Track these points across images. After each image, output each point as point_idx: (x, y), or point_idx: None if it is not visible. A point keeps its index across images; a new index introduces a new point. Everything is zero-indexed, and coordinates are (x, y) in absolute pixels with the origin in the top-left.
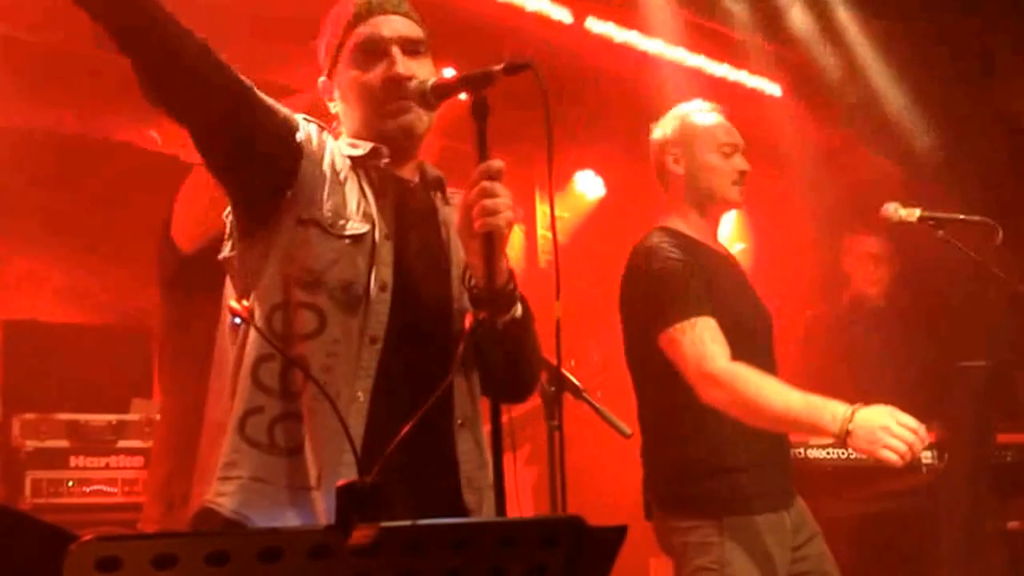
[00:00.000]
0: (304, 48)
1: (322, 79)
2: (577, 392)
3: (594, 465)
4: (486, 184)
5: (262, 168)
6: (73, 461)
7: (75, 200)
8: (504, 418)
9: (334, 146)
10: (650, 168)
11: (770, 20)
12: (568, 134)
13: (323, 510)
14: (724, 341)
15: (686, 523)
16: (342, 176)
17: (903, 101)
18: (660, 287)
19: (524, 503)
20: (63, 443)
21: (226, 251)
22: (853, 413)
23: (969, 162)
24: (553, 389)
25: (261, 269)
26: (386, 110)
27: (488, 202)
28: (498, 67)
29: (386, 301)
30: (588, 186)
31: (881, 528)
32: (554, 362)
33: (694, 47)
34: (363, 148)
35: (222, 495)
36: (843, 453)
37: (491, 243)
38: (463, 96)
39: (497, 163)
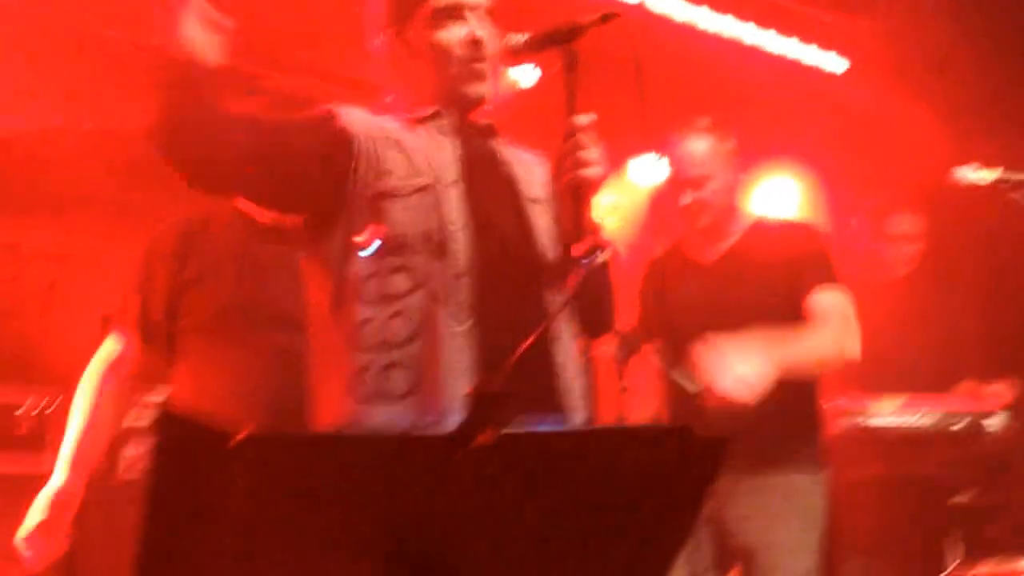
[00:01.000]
0: None
1: (379, 39)
2: (647, 351)
3: None
4: (578, 137)
5: (318, 188)
6: None
7: (148, 195)
8: None
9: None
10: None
11: None
12: (624, 118)
13: None
14: None
15: None
16: (397, 136)
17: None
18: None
19: None
20: None
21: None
22: None
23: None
24: (621, 351)
25: (347, 251)
26: (465, 72)
27: (580, 154)
28: (590, 18)
29: (463, 239)
30: (644, 172)
31: (943, 496)
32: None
33: (760, 22)
34: (425, 112)
35: None
36: (905, 421)
37: (580, 195)
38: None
39: (587, 117)
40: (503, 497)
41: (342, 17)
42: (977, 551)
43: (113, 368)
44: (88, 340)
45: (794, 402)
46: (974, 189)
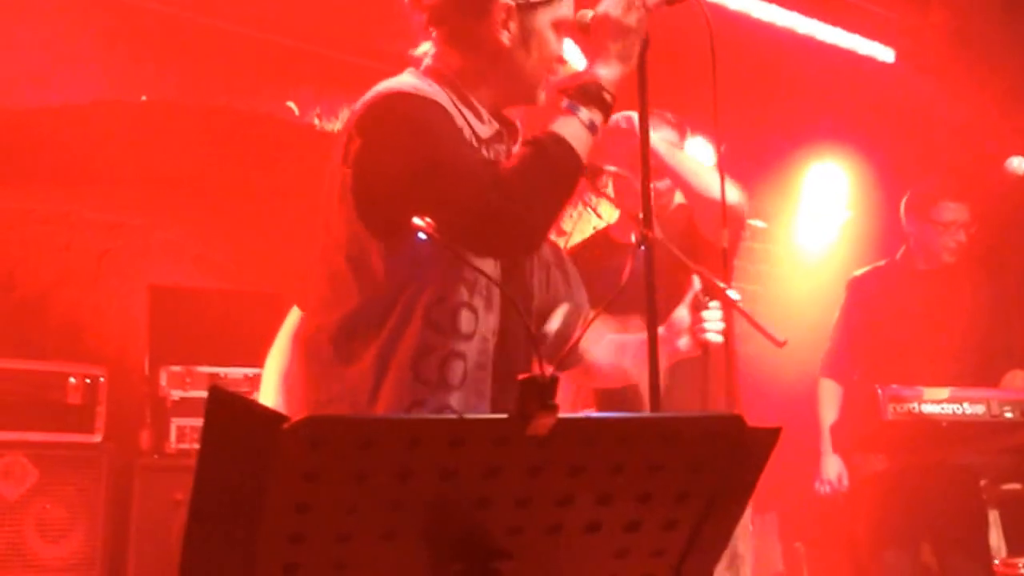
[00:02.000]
0: None
1: (508, 2)
2: (731, 303)
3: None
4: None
5: None
6: None
7: (215, 171)
8: None
9: (463, 118)
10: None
11: None
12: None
13: None
14: None
15: None
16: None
17: None
18: None
19: None
20: (204, 393)
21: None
22: None
23: None
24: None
25: (424, 261)
26: (541, 88)
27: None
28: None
29: (497, 293)
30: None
31: (990, 485)
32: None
33: (808, 12)
34: (488, 126)
35: None
36: (957, 408)
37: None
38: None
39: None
40: (556, 482)
41: None
42: None
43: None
44: (136, 309)
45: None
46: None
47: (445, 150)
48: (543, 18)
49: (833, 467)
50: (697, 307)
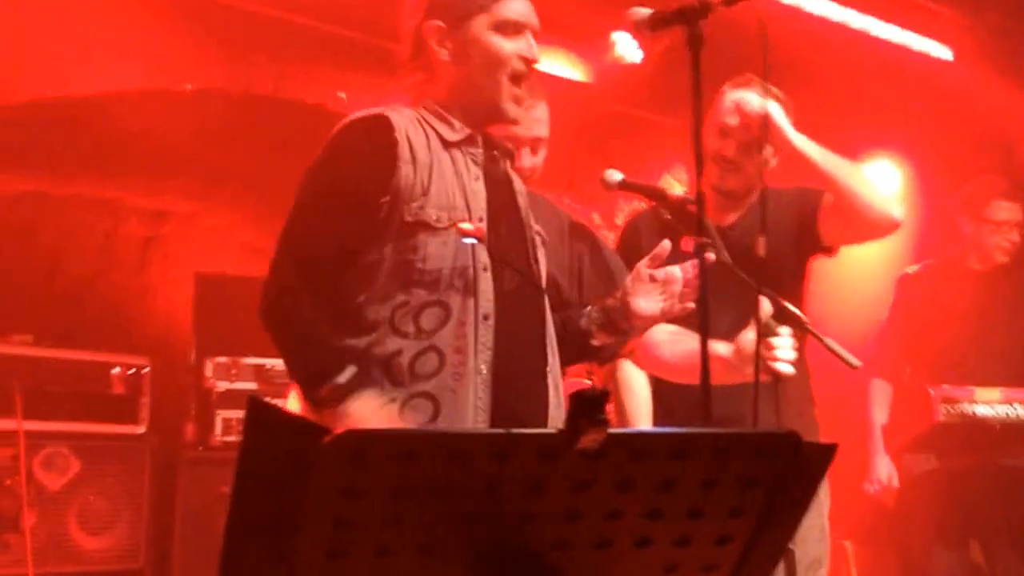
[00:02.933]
0: None
1: (436, 23)
2: (803, 326)
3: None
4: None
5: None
6: None
7: (262, 160)
8: None
9: (427, 127)
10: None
11: None
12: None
13: None
14: None
15: None
16: (436, 160)
17: None
18: None
19: None
20: (250, 385)
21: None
22: None
23: None
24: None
25: (375, 274)
26: (508, 88)
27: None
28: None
29: (489, 279)
30: None
31: None
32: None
33: (863, 8)
34: (458, 133)
35: None
36: (1009, 410)
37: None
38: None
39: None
40: (605, 496)
41: None
42: None
43: None
44: (182, 298)
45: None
46: None
47: (308, 227)
48: (478, 26)
49: (883, 467)
50: (766, 333)
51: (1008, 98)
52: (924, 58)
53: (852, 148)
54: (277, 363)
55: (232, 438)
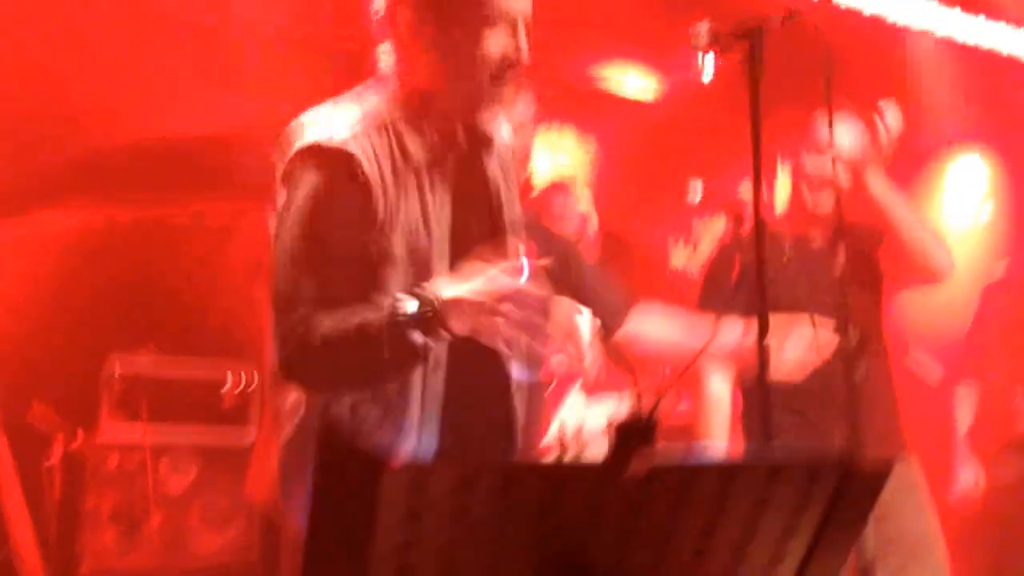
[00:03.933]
0: None
1: (417, 7)
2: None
3: None
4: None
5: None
6: None
7: None
8: None
9: (392, 140)
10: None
11: None
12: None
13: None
14: None
15: None
16: (401, 187)
17: None
18: None
19: None
20: None
21: None
22: None
23: None
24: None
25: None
26: (493, 87)
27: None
28: (776, 17)
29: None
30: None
31: None
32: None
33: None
34: (428, 140)
35: None
36: None
37: None
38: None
39: None
40: (655, 527)
41: None
42: None
43: None
44: None
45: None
46: None
47: (305, 268)
48: (461, 17)
49: (969, 473)
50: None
51: None
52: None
53: (938, 144)
54: None
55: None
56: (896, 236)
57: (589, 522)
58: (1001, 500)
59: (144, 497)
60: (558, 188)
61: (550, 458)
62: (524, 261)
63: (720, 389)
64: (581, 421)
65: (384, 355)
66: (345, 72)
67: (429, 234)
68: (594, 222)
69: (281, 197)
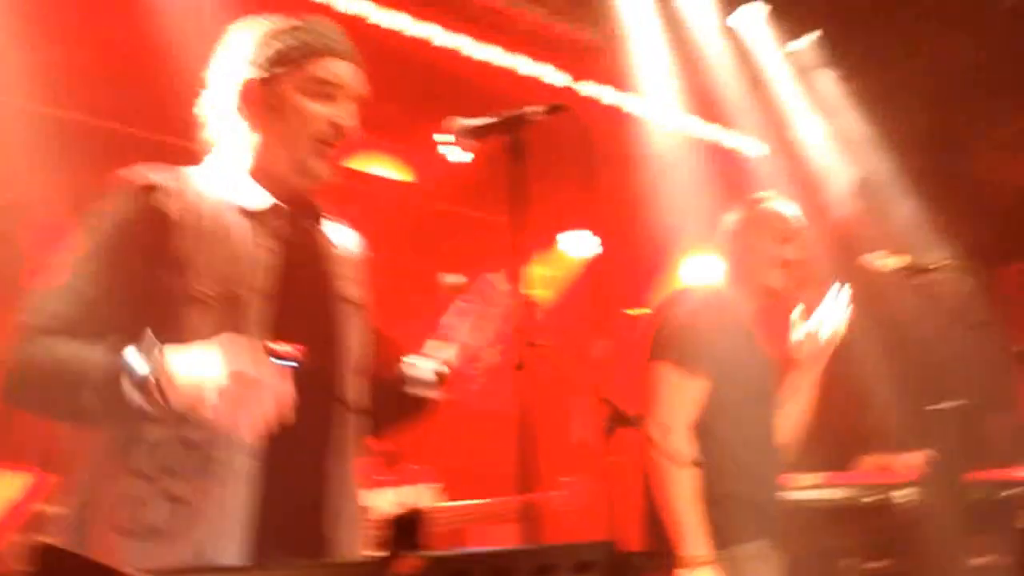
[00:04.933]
0: None
1: (247, 79)
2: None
3: None
4: None
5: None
6: None
7: None
8: None
9: (212, 194)
10: (640, 227)
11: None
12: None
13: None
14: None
15: None
16: (220, 228)
17: None
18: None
19: None
20: None
21: None
22: (696, 565)
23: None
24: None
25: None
26: (316, 150)
27: None
28: (536, 108)
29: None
30: (575, 246)
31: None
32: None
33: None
34: (260, 202)
35: None
36: (820, 495)
37: None
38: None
39: None
40: None
41: None
42: None
43: None
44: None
45: None
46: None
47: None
48: (288, 85)
49: None
50: None
51: None
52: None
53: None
54: None
55: None
56: None
57: None
58: None
59: None
60: None
61: None
62: (287, 349)
63: None
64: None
65: (95, 402)
66: None
67: (243, 278)
68: None
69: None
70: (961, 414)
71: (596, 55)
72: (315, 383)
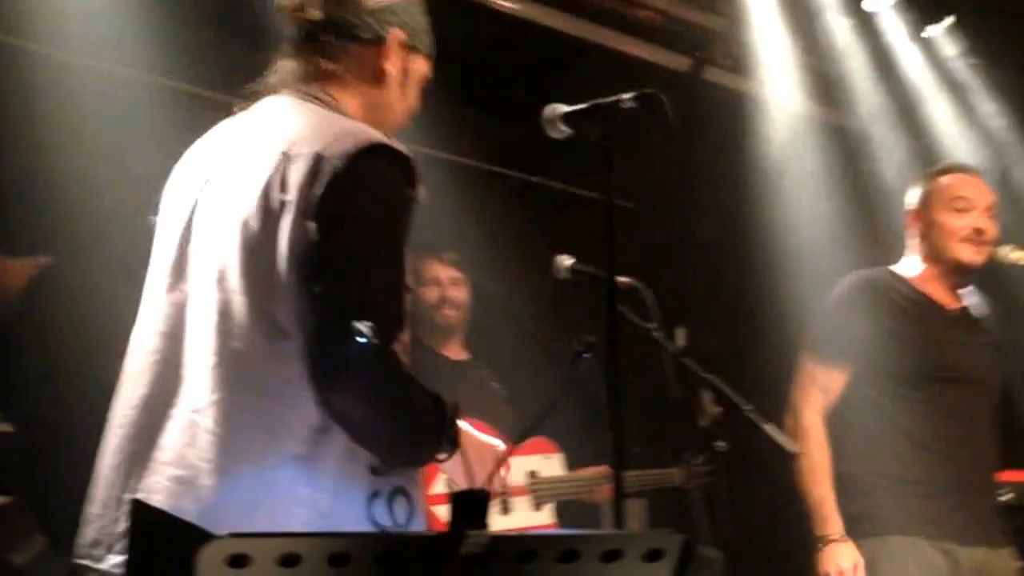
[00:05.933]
0: None
1: (399, 33)
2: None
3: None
4: None
5: None
6: None
7: None
8: None
9: None
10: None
11: None
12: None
13: None
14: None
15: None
16: None
17: None
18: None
19: None
20: None
21: None
22: (828, 543)
23: None
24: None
25: None
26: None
27: None
28: (627, 96)
29: None
30: None
31: None
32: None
33: None
34: None
35: None
36: None
37: None
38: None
39: None
40: None
41: None
42: None
43: None
44: None
45: None
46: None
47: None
48: (417, 65)
49: None
50: None
51: None
52: None
53: None
54: None
55: None
56: None
57: None
58: None
59: None
60: None
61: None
62: None
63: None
64: None
65: (429, 443)
66: None
67: None
68: None
69: (329, 201)
70: None
71: (720, 40)
72: None
